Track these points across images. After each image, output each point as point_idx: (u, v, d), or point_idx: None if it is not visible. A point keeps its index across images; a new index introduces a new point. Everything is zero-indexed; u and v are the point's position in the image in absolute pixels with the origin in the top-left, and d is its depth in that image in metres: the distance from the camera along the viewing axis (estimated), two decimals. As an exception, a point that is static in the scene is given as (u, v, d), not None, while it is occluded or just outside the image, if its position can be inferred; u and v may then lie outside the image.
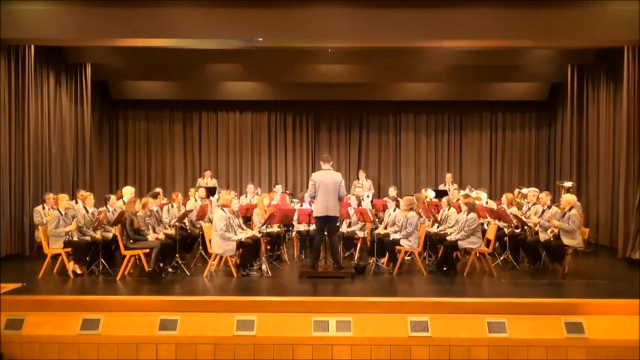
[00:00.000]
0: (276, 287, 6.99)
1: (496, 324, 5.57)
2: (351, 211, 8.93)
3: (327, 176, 7.40)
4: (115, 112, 13.37)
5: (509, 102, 13.25)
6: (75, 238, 7.44)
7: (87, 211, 7.88)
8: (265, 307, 5.81)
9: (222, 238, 7.32)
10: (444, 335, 5.53)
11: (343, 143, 13.68)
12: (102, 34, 8.31)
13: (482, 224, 8.36)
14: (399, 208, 8.15)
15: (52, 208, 8.15)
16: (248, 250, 7.56)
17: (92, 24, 8.18)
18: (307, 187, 7.85)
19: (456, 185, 11.96)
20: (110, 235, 7.89)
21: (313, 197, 7.52)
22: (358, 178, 12.32)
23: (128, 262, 7.34)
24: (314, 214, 7.47)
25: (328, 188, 7.33)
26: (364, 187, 11.90)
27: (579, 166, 11.03)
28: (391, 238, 7.76)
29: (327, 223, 7.39)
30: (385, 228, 8.26)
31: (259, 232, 7.91)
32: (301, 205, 9.75)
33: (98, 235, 7.74)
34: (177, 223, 8.14)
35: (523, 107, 13.35)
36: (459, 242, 7.53)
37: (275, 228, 8.63)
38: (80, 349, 5.57)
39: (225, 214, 7.46)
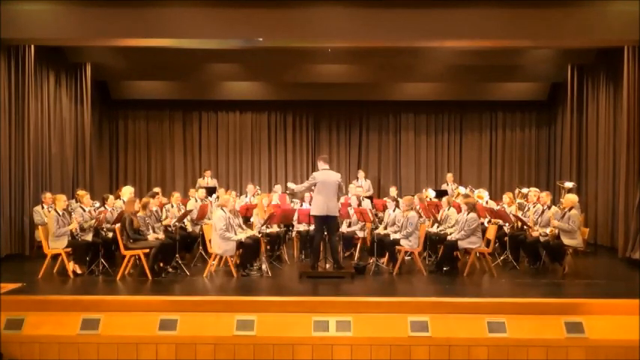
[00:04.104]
0: (276, 287, 6.99)
1: (496, 324, 5.57)
2: (351, 211, 8.93)
3: (328, 176, 7.43)
4: (115, 112, 13.37)
5: (509, 102, 13.25)
6: (79, 230, 7.44)
7: (84, 210, 7.88)
8: (265, 307, 5.81)
9: (222, 238, 7.32)
10: (444, 335, 5.53)
11: (343, 143, 13.67)
12: (102, 34, 8.31)
13: (482, 224, 8.36)
14: (398, 208, 8.15)
15: (50, 208, 8.14)
16: (248, 250, 7.56)
17: (92, 24, 8.18)
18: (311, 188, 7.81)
19: (456, 185, 11.96)
20: (110, 235, 7.89)
21: (306, 189, 7.47)
22: (357, 179, 12.30)
23: (128, 262, 7.34)
24: (313, 213, 7.46)
25: (329, 188, 7.36)
26: (363, 187, 11.87)
27: (579, 166, 11.03)
28: (391, 238, 7.76)
29: (327, 222, 7.40)
30: (385, 228, 8.26)
31: (259, 232, 7.91)
32: (301, 205, 9.76)
33: (103, 227, 7.75)
34: (177, 223, 8.14)
35: (523, 107, 13.35)
36: (459, 242, 7.53)
37: (275, 228, 8.63)
38: (80, 349, 5.57)
39: (225, 214, 7.46)
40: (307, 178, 8.04)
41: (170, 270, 7.57)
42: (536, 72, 12.13)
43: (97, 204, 8.57)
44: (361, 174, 12.35)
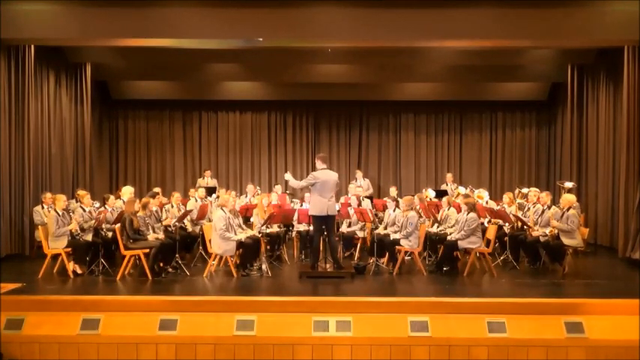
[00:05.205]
0: (276, 287, 6.99)
1: (496, 324, 5.57)
2: (351, 211, 8.93)
3: (329, 176, 7.44)
4: (115, 112, 13.37)
5: (509, 102, 13.26)
6: (79, 230, 7.45)
7: (84, 210, 7.88)
8: (265, 307, 5.81)
9: (222, 238, 7.32)
10: (444, 335, 5.53)
11: (343, 143, 13.68)
12: (102, 34, 8.31)
13: (482, 224, 8.36)
14: (398, 208, 8.15)
15: (50, 208, 8.14)
16: (248, 250, 7.56)
17: (92, 24, 8.18)
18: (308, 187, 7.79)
19: (455, 185, 11.96)
20: (110, 235, 7.89)
21: (304, 187, 7.67)
22: (356, 179, 12.30)
23: (128, 262, 7.34)
24: (313, 213, 7.44)
25: (329, 188, 7.36)
26: (363, 186, 11.88)
27: (579, 166, 11.03)
28: (391, 238, 7.76)
29: (327, 222, 7.40)
30: (385, 228, 8.26)
31: (259, 232, 7.91)
32: (301, 205, 9.75)
33: (103, 227, 7.77)
34: (177, 223, 8.14)
35: (523, 107, 13.35)
36: (459, 242, 7.53)
37: (275, 228, 8.62)
38: (80, 349, 5.57)
39: (225, 214, 7.46)
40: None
41: (170, 270, 7.57)
42: (536, 72, 12.13)
43: (97, 204, 8.57)
44: (359, 174, 12.36)
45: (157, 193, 8.93)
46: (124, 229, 7.25)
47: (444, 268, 7.66)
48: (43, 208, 8.54)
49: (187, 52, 10.56)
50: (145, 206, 7.80)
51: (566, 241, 7.42)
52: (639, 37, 7.96)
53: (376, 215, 9.22)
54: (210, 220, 8.45)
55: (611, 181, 9.93)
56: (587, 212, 10.30)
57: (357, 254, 8.70)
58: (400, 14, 8.16)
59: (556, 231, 7.53)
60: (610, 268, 8.53)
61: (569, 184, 9.76)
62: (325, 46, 10.12)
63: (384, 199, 9.60)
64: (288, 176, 7.74)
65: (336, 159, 13.48)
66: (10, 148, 8.81)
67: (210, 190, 10.71)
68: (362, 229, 8.85)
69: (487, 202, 9.81)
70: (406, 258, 8.09)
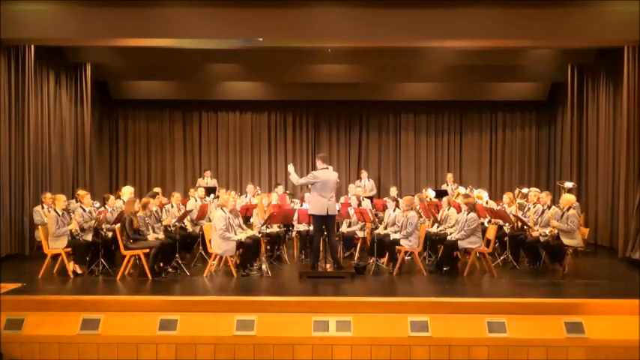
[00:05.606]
0: (276, 287, 7.00)
1: (496, 324, 5.57)
2: (351, 211, 8.93)
3: (328, 175, 7.43)
4: (115, 112, 13.38)
5: (509, 102, 13.26)
6: (79, 230, 7.45)
7: (84, 210, 7.88)
8: (265, 307, 5.81)
9: (222, 238, 7.32)
10: (444, 335, 5.53)
11: (343, 143, 13.69)
12: (102, 34, 8.32)
13: (482, 224, 8.36)
14: (398, 208, 8.15)
15: (50, 208, 8.14)
16: (248, 250, 7.56)
17: (92, 24, 8.19)
18: (307, 186, 7.80)
19: (456, 185, 11.96)
20: (110, 235, 7.89)
21: (304, 185, 7.65)
22: (360, 178, 12.30)
23: (128, 262, 7.34)
24: (313, 212, 7.44)
25: (329, 187, 7.37)
26: (365, 187, 11.87)
27: (579, 166, 11.03)
28: (391, 238, 7.76)
29: (327, 222, 7.41)
30: (385, 228, 8.26)
31: (259, 232, 7.91)
32: (301, 205, 9.75)
33: (103, 227, 7.77)
34: (177, 223, 8.14)
35: (523, 107, 13.36)
36: (459, 242, 7.53)
37: (275, 228, 8.62)
38: (80, 349, 5.57)
39: (225, 214, 7.46)
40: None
41: (170, 270, 7.57)
42: (536, 72, 12.13)
43: (97, 204, 8.57)
44: (364, 174, 12.34)
45: (157, 193, 8.93)
46: (124, 229, 7.24)
47: (444, 268, 7.66)
48: (43, 208, 8.53)
49: (187, 52, 10.57)
50: (145, 206, 7.81)
51: (566, 241, 7.43)
52: (639, 37, 7.96)
53: (376, 215, 9.22)
54: (210, 220, 8.45)
55: (611, 181, 9.93)
56: (587, 212, 10.30)
57: (357, 254, 8.70)
58: (400, 14, 8.16)
59: (556, 231, 7.53)
60: (610, 268, 8.53)
61: (569, 184, 9.76)
62: (325, 46, 10.12)
63: (384, 199, 9.60)
64: (291, 168, 7.73)
65: (336, 159, 13.48)
66: (10, 148, 8.81)
67: (210, 190, 10.71)
68: (362, 229, 8.85)
69: (487, 202, 9.81)
70: (406, 258, 8.09)
